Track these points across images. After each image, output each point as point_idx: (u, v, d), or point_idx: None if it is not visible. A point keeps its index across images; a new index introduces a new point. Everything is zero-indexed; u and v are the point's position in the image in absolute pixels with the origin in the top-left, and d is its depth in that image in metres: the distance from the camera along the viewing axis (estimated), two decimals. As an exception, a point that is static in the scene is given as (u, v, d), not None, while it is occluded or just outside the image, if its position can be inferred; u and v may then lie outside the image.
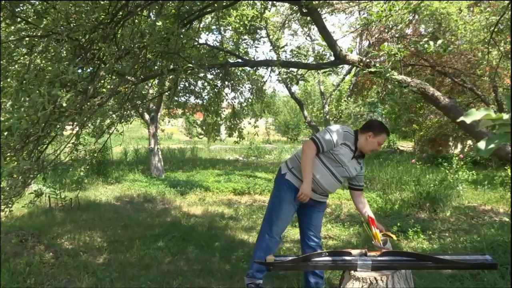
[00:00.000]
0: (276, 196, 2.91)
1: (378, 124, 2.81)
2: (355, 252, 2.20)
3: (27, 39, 2.55)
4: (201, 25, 4.53)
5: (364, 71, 3.27)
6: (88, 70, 2.85)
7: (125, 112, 3.63)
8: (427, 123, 11.45)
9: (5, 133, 2.00)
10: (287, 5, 6.50)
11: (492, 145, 0.80)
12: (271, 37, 6.88)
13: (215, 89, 4.99)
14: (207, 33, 6.27)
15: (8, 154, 2.08)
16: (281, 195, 2.84)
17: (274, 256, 2.19)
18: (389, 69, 3.05)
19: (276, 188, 2.94)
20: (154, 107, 8.95)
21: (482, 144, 0.82)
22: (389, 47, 3.19)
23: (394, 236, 2.57)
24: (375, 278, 2.04)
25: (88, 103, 2.37)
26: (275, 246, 2.89)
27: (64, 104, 2.01)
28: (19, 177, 2.11)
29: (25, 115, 1.93)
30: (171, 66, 3.31)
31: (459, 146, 11.67)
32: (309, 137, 2.81)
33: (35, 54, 2.62)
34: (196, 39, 3.95)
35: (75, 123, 2.46)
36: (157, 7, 3.14)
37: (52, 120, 2.13)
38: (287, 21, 7.22)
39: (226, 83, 4.90)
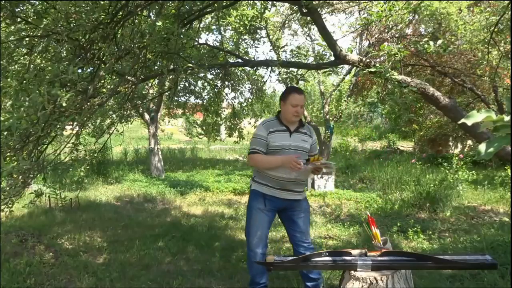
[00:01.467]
0: (247, 208, 2.84)
1: (285, 89, 2.77)
2: (355, 252, 2.20)
3: (27, 39, 2.54)
4: (201, 25, 4.53)
5: (364, 71, 3.27)
6: (88, 70, 2.84)
7: (125, 112, 3.63)
8: (427, 123, 11.46)
9: (5, 133, 2.00)
10: (287, 5, 6.49)
11: (491, 149, 0.80)
12: (271, 37, 6.87)
13: (215, 89, 5.00)
14: (207, 33, 6.27)
15: (8, 154, 2.08)
16: (250, 204, 2.76)
17: (274, 256, 2.19)
18: (389, 69, 3.04)
19: (248, 201, 2.87)
20: (154, 107, 8.95)
21: (482, 147, 0.82)
22: (389, 47, 3.19)
23: (320, 158, 2.57)
24: (375, 278, 2.04)
25: (88, 103, 2.37)
26: (257, 259, 2.67)
27: (64, 104, 2.01)
28: (19, 177, 2.10)
29: (24, 115, 1.93)
30: (171, 66, 3.31)
31: (459, 146, 11.68)
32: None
33: (35, 54, 2.62)
34: (196, 39, 3.95)
35: (75, 123, 2.46)
36: (157, 7, 3.14)
37: (52, 120, 2.13)
38: (287, 21, 7.22)
39: (226, 83, 4.90)
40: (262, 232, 2.70)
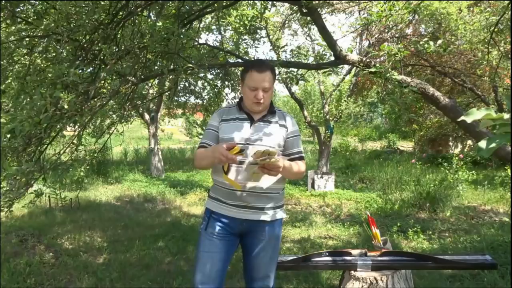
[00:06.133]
0: None
1: (246, 64, 2.03)
2: (355, 252, 2.21)
3: (27, 39, 2.55)
4: (201, 25, 4.53)
5: (364, 71, 3.27)
6: (89, 71, 2.85)
7: (125, 112, 3.63)
8: (427, 123, 11.47)
9: (8, 136, 2.00)
10: (287, 5, 6.49)
11: (492, 145, 0.80)
12: (271, 37, 6.87)
13: (215, 89, 5.00)
14: (207, 33, 6.27)
15: (10, 156, 2.09)
16: (200, 227, 2.04)
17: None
18: (389, 69, 3.04)
19: None
20: (154, 107, 8.95)
21: (482, 144, 0.82)
22: (389, 47, 3.19)
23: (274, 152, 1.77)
24: (375, 278, 2.04)
25: (89, 104, 2.37)
26: None
27: (66, 106, 2.01)
28: (22, 179, 2.11)
29: (27, 117, 1.93)
30: (171, 66, 3.30)
31: (459, 146, 11.69)
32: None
33: (35, 54, 2.63)
34: (196, 39, 3.94)
35: (77, 125, 2.46)
36: (157, 7, 3.14)
37: (53, 122, 2.13)
38: (287, 21, 7.22)
39: (226, 83, 4.91)
40: (207, 263, 1.97)
